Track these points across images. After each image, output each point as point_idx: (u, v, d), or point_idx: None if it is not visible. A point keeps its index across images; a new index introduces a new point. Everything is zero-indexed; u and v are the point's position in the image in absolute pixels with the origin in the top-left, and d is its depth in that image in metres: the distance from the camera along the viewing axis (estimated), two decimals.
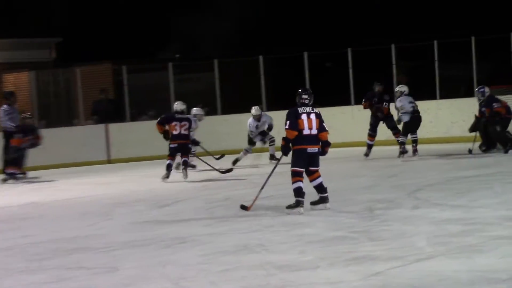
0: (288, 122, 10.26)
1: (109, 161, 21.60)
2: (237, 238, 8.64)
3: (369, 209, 9.97)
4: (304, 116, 10.24)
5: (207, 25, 30.03)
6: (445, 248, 7.39)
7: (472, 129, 16.78)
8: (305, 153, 10.21)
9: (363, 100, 17.41)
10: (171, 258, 7.82)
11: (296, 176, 10.20)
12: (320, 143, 10.33)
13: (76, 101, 23.32)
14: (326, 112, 21.58)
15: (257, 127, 17.67)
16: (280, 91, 24.34)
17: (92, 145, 21.42)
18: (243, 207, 10.51)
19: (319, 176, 10.31)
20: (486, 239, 7.66)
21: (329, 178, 13.89)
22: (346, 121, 21.49)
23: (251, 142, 17.87)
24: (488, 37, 20.77)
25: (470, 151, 16.31)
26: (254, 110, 17.75)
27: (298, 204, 10.07)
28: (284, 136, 10.29)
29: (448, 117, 19.39)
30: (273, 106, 22.45)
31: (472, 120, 16.83)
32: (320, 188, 10.30)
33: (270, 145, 17.79)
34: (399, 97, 16.99)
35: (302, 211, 9.99)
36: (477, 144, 16.48)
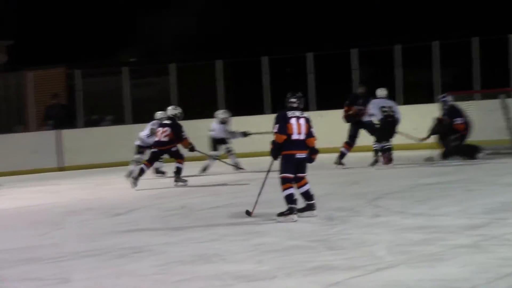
0: (277, 125, 10.04)
1: (61, 169, 21.30)
2: (193, 248, 8.45)
3: (329, 217, 9.83)
4: (293, 120, 10.03)
5: (164, 29, 29.88)
6: (406, 257, 7.28)
7: (432, 132, 16.74)
8: (294, 159, 10.02)
9: (346, 102, 16.75)
10: (126, 268, 7.64)
11: (286, 182, 9.99)
12: (308, 149, 10.14)
13: (26, 107, 22.95)
14: None
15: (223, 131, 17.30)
16: (239, 96, 24.24)
17: (44, 152, 21.15)
18: (248, 213, 10.32)
19: (307, 183, 10.13)
20: (448, 247, 7.57)
21: None
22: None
23: (215, 148, 17.43)
24: (450, 42, 20.84)
25: (430, 159, 16.28)
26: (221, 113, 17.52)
27: (291, 211, 9.85)
28: (273, 139, 10.11)
29: (411, 123, 19.35)
30: (232, 111, 22.29)
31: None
32: (307, 195, 10.11)
33: (230, 155, 17.49)
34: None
35: (296, 219, 9.79)
36: (437, 151, 16.50)
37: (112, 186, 15.84)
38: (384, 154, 15.93)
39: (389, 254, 7.44)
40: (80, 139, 21.52)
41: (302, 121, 10.07)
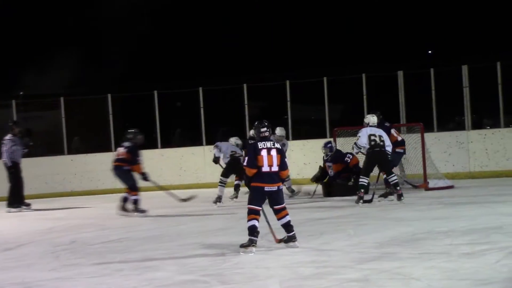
0: (246, 159, 9.89)
1: None
2: (85, 283, 8.33)
3: (221, 252, 9.79)
4: (264, 152, 9.82)
5: (53, 63, 29.51)
6: None
7: (315, 179, 17.09)
8: (262, 192, 9.81)
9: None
10: None
11: (251, 214, 9.77)
12: (281, 181, 10.00)
13: None
14: (175, 153, 21.92)
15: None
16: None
17: None
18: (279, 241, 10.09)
19: (286, 214, 9.89)
20: (339, 281, 7.62)
21: (181, 221, 13.86)
22: (197, 162, 21.44)
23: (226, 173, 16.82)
24: (340, 78, 21.21)
25: (311, 194, 16.67)
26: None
27: (250, 243, 9.68)
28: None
29: (301, 158, 19.56)
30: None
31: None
32: (287, 227, 9.90)
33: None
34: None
35: (253, 251, 9.60)
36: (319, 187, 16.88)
37: (0, 221, 15.41)
38: (395, 189, 14.68)
39: None
40: None
41: (273, 152, 9.85)
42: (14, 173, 17.49)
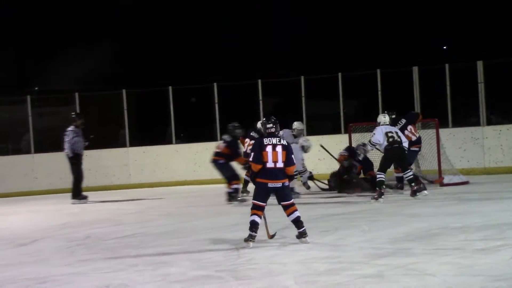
0: (252, 154, 9.92)
1: None
2: (99, 278, 8.34)
3: (236, 247, 9.79)
4: (269, 148, 9.86)
5: (68, 59, 29.58)
6: (313, 287, 7.31)
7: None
8: (266, 188, 9.84)
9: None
10: None
11: (254, 209, 9.85)
12: (287, 177, 9.99)
13: None
14: (190, 149, 21.92)
15: None
16: (145, 126, 24.10)
17: None
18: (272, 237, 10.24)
19: (295, 210, 9.92)
20: (353, 277, 7.62)
21: (195, 216, 13.87)
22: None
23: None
24: (355, 73, 21.17)
25: (326, 189, 16.66)
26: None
27: (249, 238, 9.77)
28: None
29: (316, 154, 19.54)
30: (136, 141, 22.22)
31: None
32: (296, 223, 9.92)
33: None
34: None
35: (250, 246, 9.68)
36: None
37: (16, 216, 15.47)
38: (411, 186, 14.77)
39: (296, 284, 7.45)
40: None
41: (279, 148, 9.88)
42: (76, 164, 17.64)
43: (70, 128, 17.74)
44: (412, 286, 7.13)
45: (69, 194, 17.67)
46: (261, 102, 21.69)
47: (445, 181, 16.86)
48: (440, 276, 7.43)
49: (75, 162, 17.66)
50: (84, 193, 17.82)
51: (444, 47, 35.01)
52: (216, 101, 21.99)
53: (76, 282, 8.20)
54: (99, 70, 29.60)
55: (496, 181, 17.48)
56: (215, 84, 22.06)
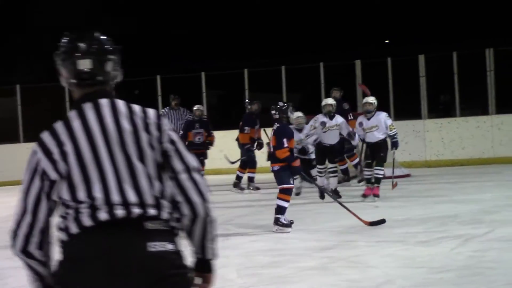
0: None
1: None
2: None
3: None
4: (271, 134, 10.37)
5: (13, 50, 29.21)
6: (256, 280, 7.33)
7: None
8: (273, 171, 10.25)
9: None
10: None
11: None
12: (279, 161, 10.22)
13: None
14: (217, 135, 21.62)
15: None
16: None
17: None
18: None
19: (278, 198, 10.22)
20: (296, 270, 7.65)
21: None
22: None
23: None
24: (298, 66, 21.20)
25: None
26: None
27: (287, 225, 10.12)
28: None
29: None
30: None
31: None
32: (275, 209, 10.21)
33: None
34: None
35: (289, 230, 10.07)
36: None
37: None
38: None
39: (239, 277, 7.47)
40: None
41: (273, 132, 10.28)
42: None
43: (166, 109, 17.71)
44: (355, 278, 7.17)
45: None
46: (204, 94, 21.61)
47: (387, 174, 16.93)
48: (383, 268, 7.48)
49: None
50: None
51: (386, 41, 35.26)
52: (159, 93, 21.87)
53: (18, 276, 8.08)
54: (44, 61, 29.24)
55: (437, 174, 17.67)
56: (158, 77, 21.94)
